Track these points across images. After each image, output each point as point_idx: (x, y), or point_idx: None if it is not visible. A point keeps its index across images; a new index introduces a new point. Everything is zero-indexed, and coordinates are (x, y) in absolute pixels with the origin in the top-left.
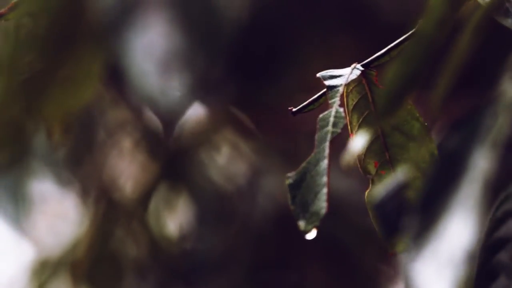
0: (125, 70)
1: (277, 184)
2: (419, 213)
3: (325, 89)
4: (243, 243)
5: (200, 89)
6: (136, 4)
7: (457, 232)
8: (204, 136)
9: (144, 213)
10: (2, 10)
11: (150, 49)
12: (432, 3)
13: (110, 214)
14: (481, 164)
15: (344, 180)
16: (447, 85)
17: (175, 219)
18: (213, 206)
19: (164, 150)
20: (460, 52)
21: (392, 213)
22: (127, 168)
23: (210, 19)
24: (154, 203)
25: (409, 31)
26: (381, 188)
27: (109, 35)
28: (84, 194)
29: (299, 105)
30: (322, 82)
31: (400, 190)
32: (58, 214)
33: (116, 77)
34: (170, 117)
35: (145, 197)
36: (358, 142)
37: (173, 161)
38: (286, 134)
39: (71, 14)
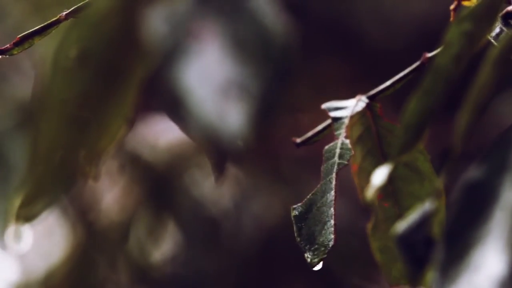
0: (180, 100)
1: (262, 207)
2: (449, 245)
3: (329, 120)
4: (229, 267)
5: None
6: (189, 33)
7: (489, 264)
8: (189, 159)
9: (129, 238)
10: (7, 46)
11: (206, 77)
12: (449, 38)
13: (94, 239)
14: (510, 195)
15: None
16: (468, 122)
17: (160, 243)
18: (199, 230)
19: (149, 174)
20: (479, 89)
21: (418, 247)
22: (111, 192)
23: (263, 44)
24: (139, 228)
25: (410, 62)
26: (404, 222)
27: (163, 65)
28: (68, 216)
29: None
30: (307, 107)
31: (425, 223)
32: (44, 232)
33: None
34: (228, 147)
35: (129, 221)
36: (380, 176)
37: (158, 184)
38: (270, 157)
39: (122, 46)
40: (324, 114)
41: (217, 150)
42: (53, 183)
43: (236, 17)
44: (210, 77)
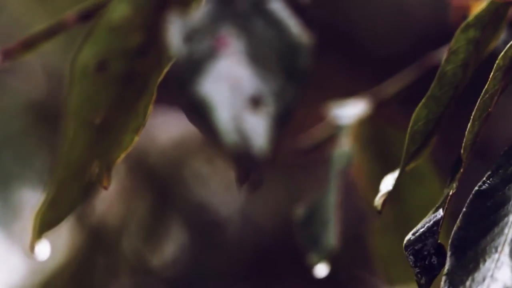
0: (204, 109)
1: (265, 209)
2: (461, 255)
3: (332, 124)
4: (232, 270)
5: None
6: (212, 41)
7: (505, 275)
8: (194, 162)
9: (127, 239)
10: (12, 48)
11: (230, 87)
12: (455, 45)
13: (93, 240)
14: None
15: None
16: (476, 131)
17: (164, 246)
18: (203, 233)
19: (153, 176)
20: (487, 97)
21: (428, 255)
22: (115, 194)
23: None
24: (141, 230)
25: (417, 68)
26: (414, 229)
27: (185, 73)
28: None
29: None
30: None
31: (435, 231)
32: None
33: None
34: (255, 158)
35: (129, 223)
36: (388, 184)
37: (162, 187)
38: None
39: (143, 55)
40: (322, 115)
41: (243, 161)
42: (73, 192)
43: (261, 26)
44: (234, 86)
